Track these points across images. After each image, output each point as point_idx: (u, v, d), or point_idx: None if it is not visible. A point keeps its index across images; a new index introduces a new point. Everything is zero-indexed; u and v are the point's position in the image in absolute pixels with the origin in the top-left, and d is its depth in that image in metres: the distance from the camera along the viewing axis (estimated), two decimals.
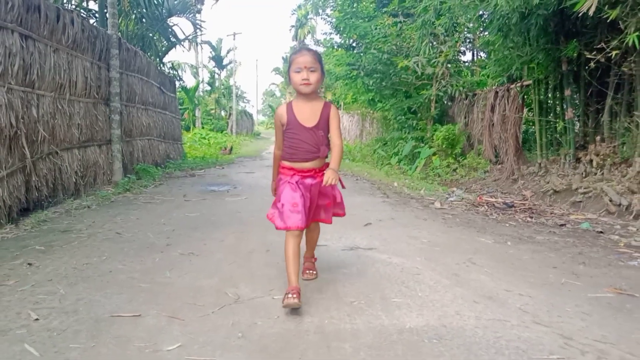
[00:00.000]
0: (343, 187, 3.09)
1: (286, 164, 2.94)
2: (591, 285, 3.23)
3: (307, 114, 2.89)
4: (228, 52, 43.62)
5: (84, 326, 2.37)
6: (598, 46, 6.56)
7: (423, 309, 2.73)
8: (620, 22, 6.17)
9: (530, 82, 9.62)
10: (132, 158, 8.86)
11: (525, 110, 10.46)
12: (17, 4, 4.76)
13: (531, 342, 2.33)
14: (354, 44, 15.81)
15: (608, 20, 6.04)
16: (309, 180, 2.89)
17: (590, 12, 5.79)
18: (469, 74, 13.53)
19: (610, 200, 6.47)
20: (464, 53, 13.91)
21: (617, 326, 2.55)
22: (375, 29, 13.35)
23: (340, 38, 16.52)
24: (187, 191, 7.70)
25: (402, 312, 2.66)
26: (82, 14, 8.02)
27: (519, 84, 10.08)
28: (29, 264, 3.41)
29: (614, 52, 6.24)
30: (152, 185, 8.27)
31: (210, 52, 42.93)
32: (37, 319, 2.44)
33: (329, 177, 2.73)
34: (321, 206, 3.01)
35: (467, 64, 14.37)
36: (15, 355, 2.06)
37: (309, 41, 51.32)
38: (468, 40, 13.77)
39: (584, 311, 2.76)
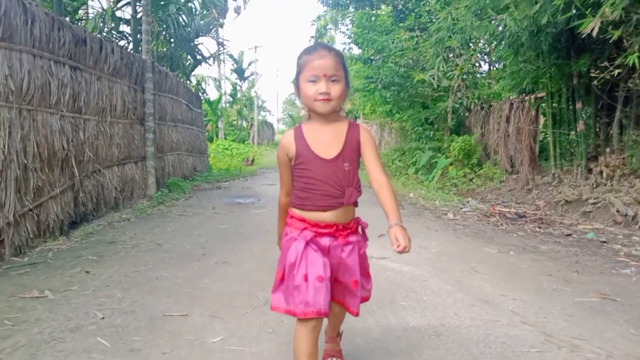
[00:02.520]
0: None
1: (296, 212, 1.99)
2: (579, 291, 3.63)
3: (326, 140, 1.93)
4: (249, 64, 44.48)
5: (142, 323, 2.88)
6: (602, 64, 6.91)
7: (426, 310, 3.17)
8: (625, 41, 6.53)
9: (544, 94, 9.95)
10: (163, 173, 9.45)
11: (542, 120, 10.76)
12: (68, 40, 5.37)
13: (516, 338, 2.75)
14: (371, 57, 16.28)
15: (611, 41, 6.41)
16: (325, 241, 1.93)
17: (594, 33, 6.14)
18: (486, 85, 13.90)
19: (617, 211, 6.77)
20: (479, 65, 14.27)
21: (594, 326, 2.95)
22: (393, 42, 13.78)
23: (358, 49, 17.00)
24: (215, 203, 8.24)
25: (408, 314, 3.11)
26: (117, 40, 8.63)
27: (533, 96, 10.43)
28: (86, 271, 3.95)
29: (616, 71, 6.59)
30: (183, 198, 8.85)
31: (232, 64, 43.84)
32: (103, 318, 2.96)
33: (399, 239, 1.77)
34: (343, 285, 2.01)
35: (483, 75, 14.72)
36: (91, 346, 2.57)
37: None
38: (484, 53, 14.13)
39: (568, 313, 3.17)
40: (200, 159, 13.78)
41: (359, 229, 2.07)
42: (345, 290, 2.01)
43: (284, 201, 2.11)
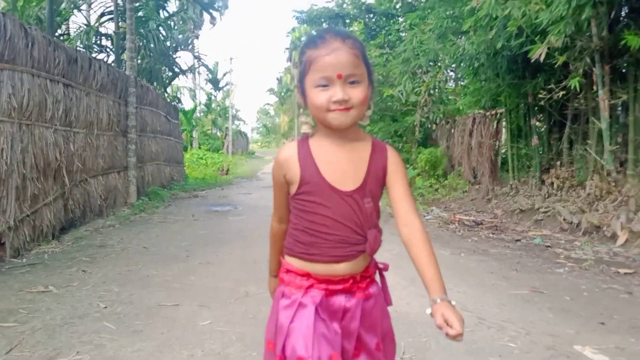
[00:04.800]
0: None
1: (294, 263, 1.46)
2: (515, 286, 4.24)
3: (343, 165, 1.41)
4: (224, 74, 44.85)
5: (140, 311, 3.37)
6: (549, 86, 7.65)
7: None
8: (570, 65, 7.28)
9: (503, 110, 10.72)
10: (143, 182, 9.87)
11: (505, 134, 11.51)
12: (62, 60, 5.82)
13: None
14: None
15: (556, 65, 7.14)
16: (340, 301, 1.43)
17: (541, 59, 6.88)
18: (452, 100, 14.68)
19: (564, 219, 7.47)
20: (446, 81, 15.04)
21: (521, 312, 3.56)
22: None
23: None
24: (194, 211, 8.70)
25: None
26: (97, 53, 9.04)
27: (493, 112, 11.20)
28: (83, 270, 4.40)
29: (560, 93, 7.33)
30: (163, 206, 9.28)
31: (207, 74, 44.19)
32: (105, 307, 3.44)
33: (452, 321, 1.29)
34: (364, 350, 1.48)
35: (449, 89, 15.51)
36: (99, 329, 3.05)
37: None
38: (450, 70, 14.93)
39: (502, 303, 3.77)
40: (177, 168, 14.18)
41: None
42: (364, 355, 1.46)
43: (278, 229, 1.56)
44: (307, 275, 1.42)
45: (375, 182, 1.45)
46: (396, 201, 1.47)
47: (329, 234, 1.40)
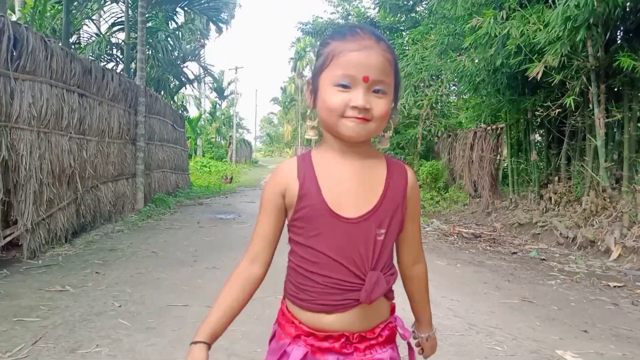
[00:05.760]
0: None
1: (287, 306, 1.23)
2: (506, 295, 4.46)
3: (351, 185, 1.15)
4: (229, 83, 45.28)
5: (152, 311, 3.60)
6: (546, 104, 7.89)
7: None
8: (567, 83, 7.52)
9: (504, 125, 10.95)
10: (150, 189, 10.13)
11: (506, 148, 11.74)
12: (78, 71, 6.10)
13: (447, 326, 3.54)
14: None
15: (552, 84, 7.39)
16: None
17: (538, 77, 7.13)
18: (454, 114, 14.94)
19: (560, 234, 7.67)
20: (448, 95, 15.32)
21: (510, 319, 3.77)
22: None
23: None
24: (199, 218, 8.93)
25: None
26: (106, 61, 9.34)
27: (494, 127, 11.45)
28: (96, 272, 4.64)
29: (557, 110, 7.58)
30: (169, 212, 9.53)
31: (212, 83, 44.62)
32: (119, 306, 3.67)
33: (429, 351, 1.37)
34: None
35: (451, 103, 15.77)
36: (115, 325, 3.28)
37: (307, 73, 53.16)
38: (452, 84, 15.21)
39: (492, 311, 3.98)
40: (182, 176, 14.44)
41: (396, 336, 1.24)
42: None
43: (246, 271, 1.20)
44: (292, 322, 1.17)
45: (392, 209, 1.15)
46: (409, 236, 1.25)
47: (323, 275, 1.12)
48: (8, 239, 4.83)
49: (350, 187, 1.13)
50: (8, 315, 3.38)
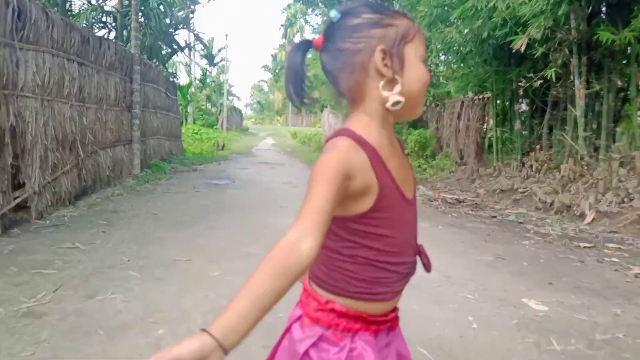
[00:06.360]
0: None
1: (343, 303, 1.07)
2: (482, 253, 4.86)
3: (402, 165, 1.11)
4: (219, 50, 44.89)
5: (158, 264, 3.95)
6: (529, 75, 8.19)
7: None
8: (550, 55, 7.81)
9: (490, 95, 11.25)
10: (145, 155, 10.39)
11: (491, 118, 12.07)
12: (77, 40, 6.30)
13: (426, 278, 3.91)
14: None
15: (535, 56, 7.67)
16: (382, 339, 1.13)
17: (522, 49, 7.41)
18: (444, 84, 15.17)
19: (539, 199, 8.07)
20: (437, 65, 15.51)
21: (483, 273, 4.17)
22: None
23: None
24: (194, 183, 9.25)
25: None
26: (98, 29, 9.48)
27: (480, 96, 11.75)
28: (102, 232, 4.97)
29: (539, 81, 7.88)
30: (165, 178, 9.84)
31: (202, 50, 44.23)
32: (128, 260, 4.02)
33: None
34: None
35: (441, 72, 15.98)
36: (127, 276, 3.63)
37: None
38: (441, 54, 15.39)
39: (468, 266, 4.38)
40: (175, 142, 14.66)
41: None
42: None
43: (309, 254, 0.88)
44: (360, 317, 1.06)
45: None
46: None
47: (399, 263, 1.08)
48: (17, 200, 5.12)
49: (401, 165, 1.09)
50: (27, 267, 3.71)
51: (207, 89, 41.90)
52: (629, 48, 7.27)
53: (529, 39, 7.25)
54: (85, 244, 4.45)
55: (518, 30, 7.44)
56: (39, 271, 3.64)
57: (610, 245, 5.40)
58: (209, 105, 42.01)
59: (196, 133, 27.14)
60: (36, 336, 2.59)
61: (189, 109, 34.99)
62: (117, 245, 4.50)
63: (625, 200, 6.68)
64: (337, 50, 1.06)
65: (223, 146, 21.88)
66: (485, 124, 12.18)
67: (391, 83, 1.03)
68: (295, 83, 1.07)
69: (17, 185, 5.31)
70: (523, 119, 10.49)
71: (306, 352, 1.04)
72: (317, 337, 1.05)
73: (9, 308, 2.93)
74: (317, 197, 0.92)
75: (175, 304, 3.16)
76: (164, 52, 15.30)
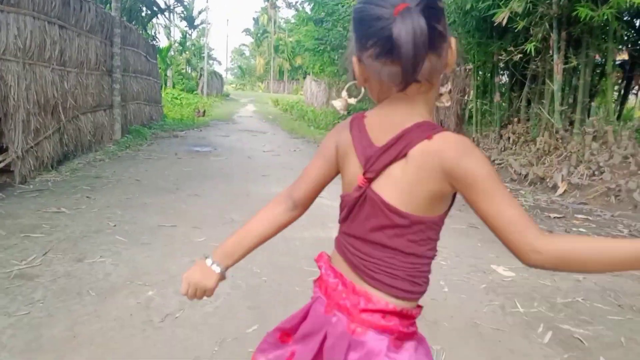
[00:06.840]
0: None
1: (411, 307, 1.08)
2: (457, 222, 5.05)
3: None
4: (200, 12, 44.00)
5: (144, 229, 4.06)
6: (509, 48, 8.31)
7: None
8: (531, 29, 7.92)
9: (471, 67, 11.37)
10: (126, 120, 10.33)
11: (472, 90, 12.19)
12: (58, 3, 6.21)
13: None
14: (322, 19, 17.18)
15: (516, 30, 7.78)
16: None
17: (503, 23, 7.51)
18: None
19: (515, 171, 8.31)
20: None
21: (456, 241, 4.37)
22: (342, 7, 14.77)
23: (310, 9, 17.79)
24: (176, 150, 9.27)
25: (332, 231, 4.42)
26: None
27: (462, 68, 11.85)
28: (87, 197, 5.04)
29: (518, 55, 8.02)
30: (146, 144, 9.83)
31: (182, 12, 43.24)
32: (114, 225, 4.12)
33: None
34: None
35: None
36: (114, 240, 3.74)
37: (281, 4, 51.87)
38: None
39: (442, 234, 4.54)
40: (155, 108, 14.54)
41: None
42: None
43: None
44: (414, 321, 1.09)
45: None
46: None
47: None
48: (1, 164, 5.14)
49: None
50: (15, 231, 3.79)
51: (187, 53, 41.19)
52: (607, 25, 7.41)
53: (511, 13, 7.35)
54: (70, 209, 4.53)
55: (501, 3, 7.52)
56: (27, 235, 3.73)
57: (579, 216, 5.65)
58: (189, 69, 41.37)
59: (176, 98, 26.79)
60: (30, 297, 2.71)
61: (169, 73, 34.45)
62: (102, 210, 4.59)
63: (597, 173, 6.93)
64: (439, 31, 0.94)
65: (204, 112, 21.67)
66: (466, 96, 12.32)
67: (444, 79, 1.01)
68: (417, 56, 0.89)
69: (0, 150, 5.32)
70: (503, 90, 10.65)
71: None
72: (413, 349, 1.04)
73: (1, 270, 3.04)
74: (509, 193, 0.95)
75: (162, 267, 3.29)
76: (143, 14, 14.99)
